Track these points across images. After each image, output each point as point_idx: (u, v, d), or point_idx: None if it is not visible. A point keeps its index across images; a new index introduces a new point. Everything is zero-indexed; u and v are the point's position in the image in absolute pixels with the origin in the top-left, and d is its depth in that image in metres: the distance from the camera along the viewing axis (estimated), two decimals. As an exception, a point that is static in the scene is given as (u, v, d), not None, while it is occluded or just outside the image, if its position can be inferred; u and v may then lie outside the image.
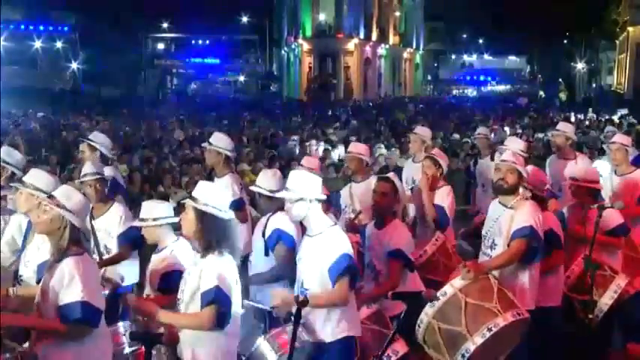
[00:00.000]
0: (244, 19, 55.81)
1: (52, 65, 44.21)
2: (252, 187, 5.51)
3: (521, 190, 5.07)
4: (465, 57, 63.65)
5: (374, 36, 54.71)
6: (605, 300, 5.36)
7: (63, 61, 45.50)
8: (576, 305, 5.41)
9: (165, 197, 8.89)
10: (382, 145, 14.73)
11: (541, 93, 57.49)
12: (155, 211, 4.84)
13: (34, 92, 36.21)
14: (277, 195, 4.51)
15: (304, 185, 4.31)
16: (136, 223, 4.91)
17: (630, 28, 46.69)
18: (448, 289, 4.52)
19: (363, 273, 5.27)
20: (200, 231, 3.90)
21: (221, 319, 3.81)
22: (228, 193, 5.95)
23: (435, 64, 66.11)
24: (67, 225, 3.79)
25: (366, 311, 4.81)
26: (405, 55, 60.90)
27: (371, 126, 23.14)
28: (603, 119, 23.70)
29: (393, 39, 57.72)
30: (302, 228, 4.64)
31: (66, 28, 45.35)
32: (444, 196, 6.39)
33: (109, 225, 5.54)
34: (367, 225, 5.55)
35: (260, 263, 5.19)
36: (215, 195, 3.96)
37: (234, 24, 54.92)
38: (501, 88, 63.30)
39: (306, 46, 53.07)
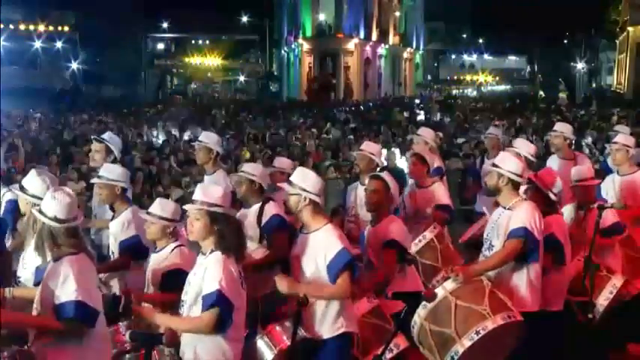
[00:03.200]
0: (244, 19, 55.83)
1: (52, 65, 44.17)
2: (240, 173, 5.69)
3: (521, 191, 5.08)
4: (465, 57, 63.61)
5: (374, 36, 54.71)
6: (601, 300, 5.35)
7: (63, 61, 45.48)
8: (573, 307, 5.40)
9: (165, 197, 8.88)
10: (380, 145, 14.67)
11: (541, 93, 57.45)
12: (165, 209, 4.82)
13: (34, 92, 36.20)
14: (284, 187, 4.52)
15: (304, 182, 4.36)
16: (142, 215, 4.90)
17: (630, 28, 46.69)
18: (439, 291, 4.53)
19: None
20: (216, 234, 3.89)
21: (221, 324, 3.80)
22: None
23: (435, 64, 66.08)
24: (59, 233, 3.79)
25: (367, 306, 4.80)
26: (405, 55, 60.90)
27: (371, 126, 23.13)
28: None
29: (393, 39, 57.73)
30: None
31: (66, 28, 45.34)
32: (443, 193, 6.53)
33: (116, 229, 5.51)
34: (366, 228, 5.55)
35: (249, 251, 5.30)
36: (220, 194, 3.96)
37: (234, 24, 54.94)
38: (501, 88, 63.26)
39: (306, 46, 53.07)
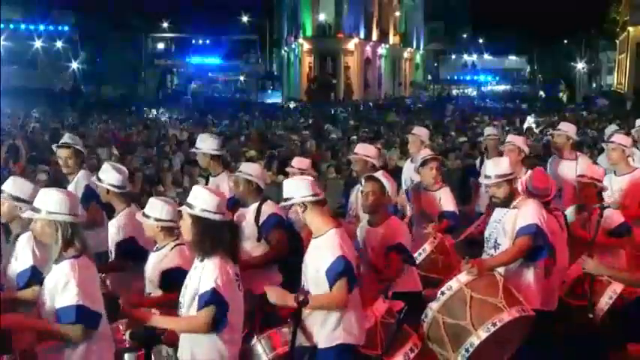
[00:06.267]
0: (244, 19, 55.81)
1: (52, 65, 44.18)
2: (237, 173, 5.71)
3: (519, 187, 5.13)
4: (465, 57, 63.61)
5: (374, 36, 54.73)
6: (601, 306, 5.32)
7: (63, 61, 45.49)
8: (572, 310, 5.39)
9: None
10: (379, 145, 14.63)
11: (541, 93, 57.49)
12: (158, 211, 4.77)
13: (34, 92, 36.22)
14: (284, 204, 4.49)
15: (293, 190, 4.32)
16: (138, 217, 4.90)
17: (630, 28, 46.78)
18: (454, 284, 4.53)
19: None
20: (197, 236, 3.90)
21: (217, 322, 3.80)
22: (224, 191, 6.01)
23: (435, 64, 66.08)
24: (58, 227, 3.81)
25: (384, 306, 4.76)
26: (405, 55, 60.92)
27: (371, 126, 23.12)
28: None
29: (393, 39, 57.75)
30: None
31: (66, 28, 45.40)
32: (450, 199, 6.54)
33: (112, 230, 5.51)
34: (359, 226, 5.55)
35: (248, 250, 5.40)
36: (210, 198, 3.94)
37: (234, 24, 54.91)
38: (501, 88, 63.27)
39: (306, 46, 53.08)
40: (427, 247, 5.88)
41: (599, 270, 4.71)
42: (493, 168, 5.03)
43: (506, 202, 5.01)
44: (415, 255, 5.75)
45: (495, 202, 5.09)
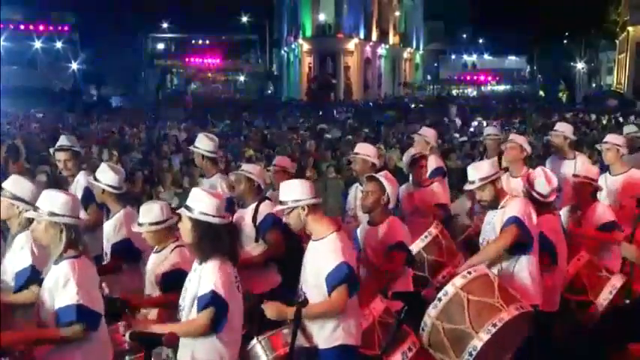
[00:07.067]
0: (244, 19, 55.91)
1: (52, 65, 44.28)
2: (239, 171, 5.75)
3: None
4: (465, 57, 63.65)
5: (374, 36, 54.78)
6: (601, 301, 5.35)
7: (63, 61, 45.58)
8: (572, 306, 5.41)
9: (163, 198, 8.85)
10: (382, 146, 14.64)
11: (541, 93, 57.48)
12: (152, 214, 4.74)
13: (34, 92, 36.27)
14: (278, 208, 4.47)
15: (292, 194, 4.27)
16: (135, 228, 4.87)
17: (630, 28, 46.81)
18: (449, 289, 4.51)
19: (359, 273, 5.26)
20: (196, 239, 3.89)
21: (216, 323, 3.80)
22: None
23: (435, 64, 66.11)
24: (63, 228, 3.81)
25: (382, 306, 4.73)
26: (405, 55, 60.97)
27: (371, 126, 23.14)
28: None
29: (393, 39, 57.80)
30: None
31: (66, 28, 45.50)
32: (442, 193, 6.67)
33: (108, 231, 5.48)
34: (359, 226, 5.55)
35: (247, 250, 5.44)
36: (209, 201, 3.92)
37: (234, 24, 55.02)
38: (501, 88, 63.33)
39: (306, 46, 53.13)
40: (433, 231, 5.91)
41: (635, 258, 4.70)
42: (475, 172, 5.02)
43: (493, 204, 5.01)
44: (421, 237, 5.78)
45: (483, 206, 5.10)
